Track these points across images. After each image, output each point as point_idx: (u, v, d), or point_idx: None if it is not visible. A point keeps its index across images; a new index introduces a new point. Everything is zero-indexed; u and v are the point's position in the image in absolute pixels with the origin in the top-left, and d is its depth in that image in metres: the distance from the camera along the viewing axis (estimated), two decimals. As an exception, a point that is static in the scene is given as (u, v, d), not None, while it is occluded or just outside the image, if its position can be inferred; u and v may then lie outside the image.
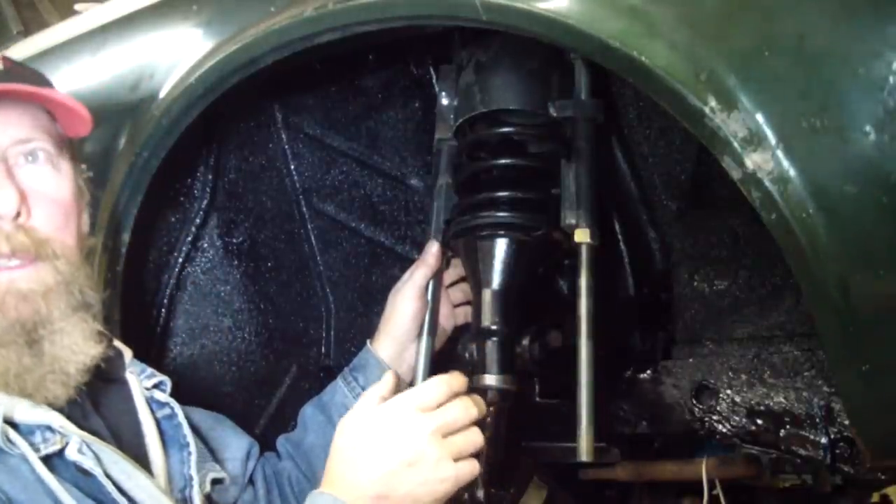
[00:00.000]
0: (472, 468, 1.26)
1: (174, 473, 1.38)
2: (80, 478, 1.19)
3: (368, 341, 1.69)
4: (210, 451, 1.50)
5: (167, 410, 1.42)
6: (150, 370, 1.45)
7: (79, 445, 1.20)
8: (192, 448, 1.40)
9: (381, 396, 1.28)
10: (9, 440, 1.15)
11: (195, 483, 1.38)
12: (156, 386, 1.44)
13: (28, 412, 1.19)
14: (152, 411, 1.41)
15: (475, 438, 1.27)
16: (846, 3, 1.06)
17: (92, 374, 1.28)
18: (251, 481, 1.59)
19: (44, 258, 1.24)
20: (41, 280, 1.23)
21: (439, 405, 1.26)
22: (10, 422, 1.17)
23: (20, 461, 1.15)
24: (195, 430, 1.48)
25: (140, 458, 1.33)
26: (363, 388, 1.64)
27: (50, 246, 1.25)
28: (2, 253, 1.21)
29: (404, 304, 1.65)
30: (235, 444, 1.57)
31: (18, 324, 1.21)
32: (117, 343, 1.43)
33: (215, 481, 1.44)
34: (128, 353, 1.43)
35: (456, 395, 1.28)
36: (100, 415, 1.32)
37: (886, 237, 1.04)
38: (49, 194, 1.28)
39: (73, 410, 1.25)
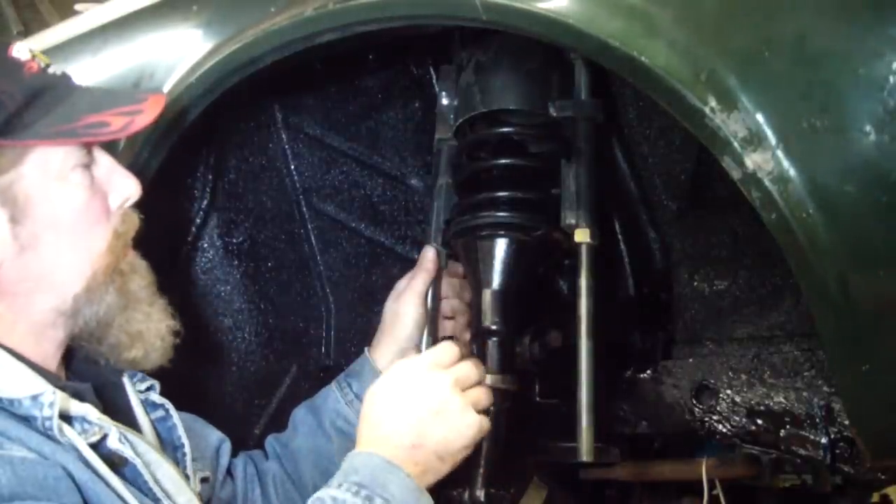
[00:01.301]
0: (487, 422, 1.34)
1: None
2: (114, 467, 1.22)
3: (366, 349, 1.69)
4: None
5: (161, 413, 1.44)
6: (140, 374, 1.45)
7: (118, 436, 1.24)
8: (187, 449, 1.42)
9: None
10: (61, 433, 1.18)
11: (191, 482, 1.39)
12: (149, 388, 1.46)
13: (69, 405, 1.22)
14: (147, 414, 1.42)
15: (487, 394, 1.37)
16: (846, 3, 1.06)
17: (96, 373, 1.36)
18: (231, 476, 1.60)
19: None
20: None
21: (452, 364, 1.34)
22: (64, 416, 1.20)
23: (69, 450, 1.18)
24: None
25: None
26: (356, 395, 1.65)
27: None
28: (135, 229, 1.36)
29: (407, 311, 1.64)
30: (204, 442, 1.58)
31: (153, 287, 1.38)
32: None
33: (203, 480, 1.45)
34: None
35: (462, 357, 1.38)
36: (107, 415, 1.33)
37: (886, 237, 1.04)
38: None
39: (96, 404, 1.28)
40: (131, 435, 1.27)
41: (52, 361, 1.32)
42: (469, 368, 1.35)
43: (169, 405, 1.45)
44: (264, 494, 1.62)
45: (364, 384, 1.64)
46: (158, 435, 1.42)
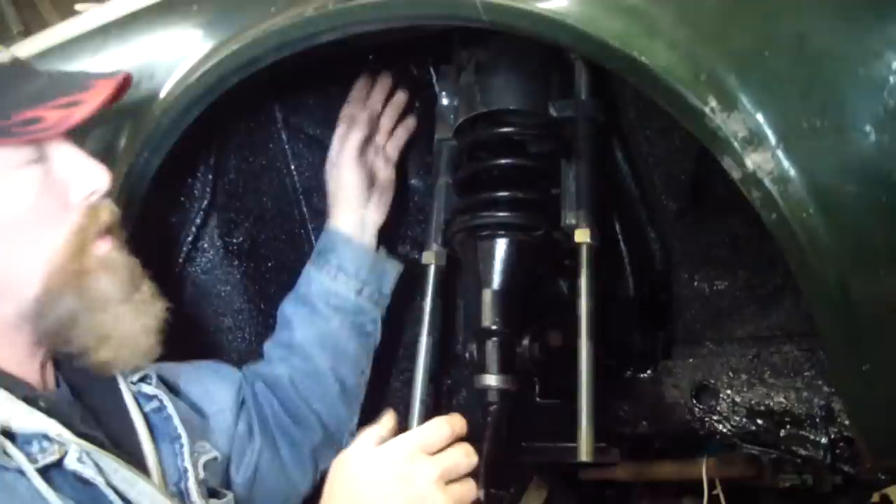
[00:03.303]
0: None
1: (167, 467, 1.35)
2: (79, 488, 1.16)
3: (327, 222, 1.72)
4: (195, 409, 1.50)
5: (155, 403, 1.40)
6: None
7: (78, 454, 1.16)
8: (184, 440, 1.38)
9: (379, 437, 1.21)
10: (5, 453, 1.12)
11: (190, 474, 1.36)
12: (142, 379, 1.42)
13: (25, 420, 1.16)
14: (140, 406, 1.39)
15: (473, 489, 1.20)
16: (846, 3, 1.06)
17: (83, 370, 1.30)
18: (242, 406, 1.59)
19: (119, 231, 1.30)
20: (124, 248, 1.30)
21: (441, 449, 1.19)
22: (7, 432, 1.14)
23: (17, 476, 1.12)
24: (175, 390, 1.48)
25: (135, 455, 1.31)
26: (338, 269, 1.67)
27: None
28: (107, 225, 1.26)
29: (346, 174, 1.70)
30: (219, 394, 1.56)
31: (129, 283, 1.27)
32: None
33: (209, 461, 1.42)
34: None
35: (457, 438, 1.21)
36: (92, 415, 1.30)
37: (886, 237, 1.04)
38: None
39: (71, 415, 1.24)
40: (98, 453, 1.19)
41: (27, 365, 1.27)
42: (459, 457, 1.19)
43: (163, 396, 1.41)
44: (282, 402, 1.61)
45: (340, 255, 1.68)
46: (152, 429, 1.37)
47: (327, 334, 1.66)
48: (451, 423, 1.21)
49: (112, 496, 1.17)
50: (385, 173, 1.79)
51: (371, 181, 1.75)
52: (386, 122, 1.80)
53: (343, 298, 1.66)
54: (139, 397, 1.40)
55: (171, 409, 1.41)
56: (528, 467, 1.89)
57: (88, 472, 1.16)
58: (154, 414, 1.40)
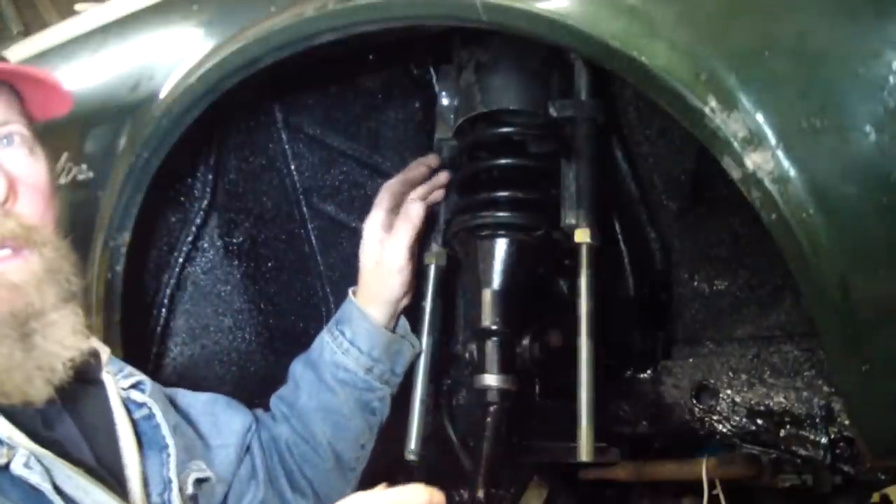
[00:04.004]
0: None
1: (152, 476, 1.33)
2: (29, 494, 1.13)
3: (351, 292, 1.67)
4: (201, 438, 1.48)
5: (145, 411, 1.38)
6: (128, 369, 1.41)
7: (25, 459, 1.13)
8: (172, 450, 1.36)
9: None
10: None
11: (174, 486, 1.34)
12: (134, 386, 1.40)
13: None
14: (129, 412, 1.36)
15: None
16: (846, 3, 1.06)
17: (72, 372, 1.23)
18: (248, 451, 1.57)
19: (31, 245, 1.19)
20: (32, 271, 1.19)
21: None
22: None
23: None
24: (185, 417, 1.46)
25: (114, 462, 1.29)
26: (350, 342, 1.62)
27: (37, 233, 1.21)
28: None
29: (394, 278, 1.62)
30: (227, 428, 1.55)
31: (11, 316, 1.16)
32: (94, 342, 1.35)
33: (199, 481, 1.40)
34: (104, 353, 1.37)
35: None
36: (73, 418, 1.27)
37: (886, 237, 1.04)
38: (29, 179, 1.24)
39: (34, 417, 1.20)
40: (50, 458, 1.15)
41: None
42: None
43: (152, 404, 1.39)
44: (282, 460, 1.60)
45: (355, 330, 1.62)
46: (140, 434, 1.35)
47: (330, 408, 1.61)
48: (429, 493, 1.13)
49: (58, 503, 1.13)
50: (417, 258, 1.68)
51: (414, 275, 1.67)
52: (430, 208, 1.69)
53: (351, 374, 1.61)
54: (129, 404, 1.37)
55: (160, 417, 1.38)
56: (528, 467, 1.89)
57: (34, 478, 1.12)
58: (144, 421, 1.37)
